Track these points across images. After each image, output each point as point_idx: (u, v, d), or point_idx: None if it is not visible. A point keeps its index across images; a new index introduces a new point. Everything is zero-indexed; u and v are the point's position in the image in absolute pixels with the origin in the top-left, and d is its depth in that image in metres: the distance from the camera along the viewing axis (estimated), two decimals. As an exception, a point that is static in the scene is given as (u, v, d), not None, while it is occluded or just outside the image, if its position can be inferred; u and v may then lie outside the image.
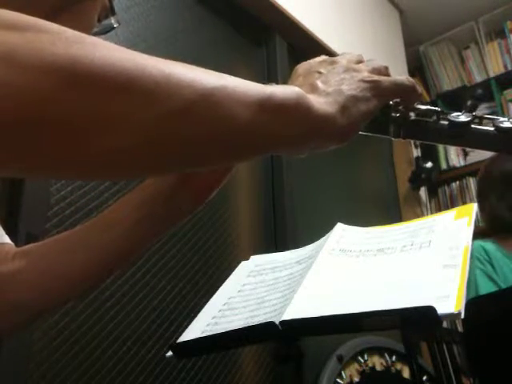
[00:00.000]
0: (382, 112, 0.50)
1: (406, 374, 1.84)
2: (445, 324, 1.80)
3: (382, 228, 0.83)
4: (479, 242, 1.57)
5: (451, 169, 2.99)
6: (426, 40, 3.30)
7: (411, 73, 3.17)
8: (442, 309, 0.53)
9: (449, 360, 1.49)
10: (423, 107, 0.52)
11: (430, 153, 2.93)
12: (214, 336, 0.69)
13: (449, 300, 0.55)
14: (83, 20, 0.50)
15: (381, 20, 2.98)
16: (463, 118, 0.50)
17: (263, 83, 0.40)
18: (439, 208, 2.94)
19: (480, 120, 0.51)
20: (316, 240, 0.88)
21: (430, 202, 2.94)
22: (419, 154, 2.75)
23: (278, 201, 1.89)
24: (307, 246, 0.87)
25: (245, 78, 0.38)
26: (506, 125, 0.49)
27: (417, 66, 3.32)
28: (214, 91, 0.35)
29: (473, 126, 0.50)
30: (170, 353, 0.72)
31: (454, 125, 0.50)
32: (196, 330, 0.77)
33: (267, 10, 2.05)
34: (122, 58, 0.31)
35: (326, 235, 0.85)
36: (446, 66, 3.23)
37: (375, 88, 0.46)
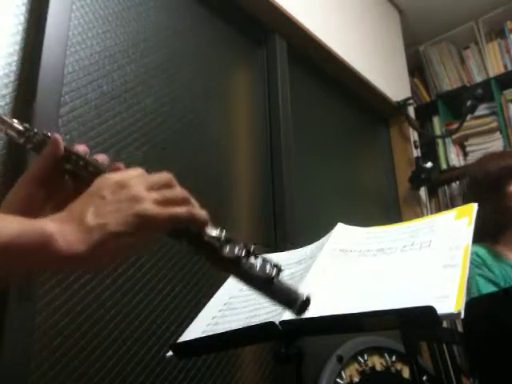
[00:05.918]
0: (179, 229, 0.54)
1: (406, 374, 1.83)
2: (445, 324, 1.80)
3: (382, 228, 0.83)
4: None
5: (451, 169, 2.99)
6: (426, 40, 3.30)
7: (411, 73, 3.17)
8: (442, 309, 0.54)
9: (449, 360, 1.49)
10: (213, 234, 0.56)
11: (430, 153, 2.93)
12: (214, 336, 0.69)
13: (449, 300, 0.55)
14: None
15: (381, 20, 2.98)
16: (236, 250, 0.55)
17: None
18: (439, 208, 2.94)
19: (248, 255, 0.55)
20: (316, 240, 0.88)
21: (430, 201, 2.94)
22: (419, 154, 2.75)
23: (278, 201, 1.89)
24: (307, 246, 0.87)
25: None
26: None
27: (417, 66, 3.32)
28: None
29: (243, 261, 0.55)
30: (170, 353, 0.72)
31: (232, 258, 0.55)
32: (196, 329, 0.77)
33: (267, 9, 2.05)
34: None
35: (327, 235, 0.85)
36: (446, 66, 3.23)
37: (143, 223, 0.50)
